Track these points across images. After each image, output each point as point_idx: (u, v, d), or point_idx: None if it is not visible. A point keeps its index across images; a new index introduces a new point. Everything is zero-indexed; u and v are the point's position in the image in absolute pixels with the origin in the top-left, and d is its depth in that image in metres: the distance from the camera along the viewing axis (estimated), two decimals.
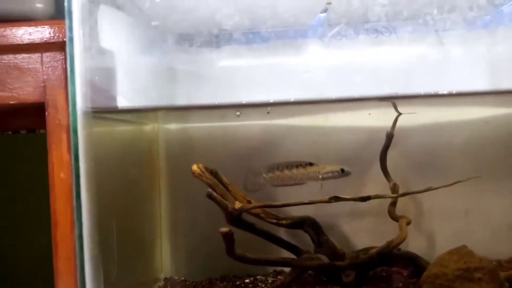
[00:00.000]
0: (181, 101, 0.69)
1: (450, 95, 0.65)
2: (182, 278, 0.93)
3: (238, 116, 0.81)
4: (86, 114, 0.59)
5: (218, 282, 0.89)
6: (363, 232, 0.91)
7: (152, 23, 0.67)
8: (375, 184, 0.85)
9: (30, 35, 0.68)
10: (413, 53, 0.68)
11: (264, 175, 0.81)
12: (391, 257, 0.77)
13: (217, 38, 0.65)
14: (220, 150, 0.92)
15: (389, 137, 0.80)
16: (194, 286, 0.89)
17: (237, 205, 0.72)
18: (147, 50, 0.70)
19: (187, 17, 0.66)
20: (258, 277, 0.90)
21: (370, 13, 0.63)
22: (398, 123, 0.80)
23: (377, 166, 0.82)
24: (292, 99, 0.66)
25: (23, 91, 0.69)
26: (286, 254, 0.80)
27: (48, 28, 0.68)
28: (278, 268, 0.91)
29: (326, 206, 0.76)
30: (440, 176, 0.83)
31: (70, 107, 0.59)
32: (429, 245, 0.90)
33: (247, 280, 0.89)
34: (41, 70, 0.69)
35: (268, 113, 0.84)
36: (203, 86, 0.68)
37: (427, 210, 0.89)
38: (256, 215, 0.76)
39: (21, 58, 0.69)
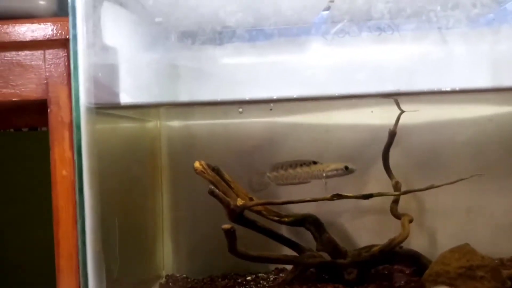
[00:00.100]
0: (184, 98, 0.69)
1: (453, 92, 0.65)
2: (184, 276, 0.93)
3: (241, 113, 0.81)
4: (89, 110, 0.59)
5: (219, 280, 0.89)
6: (365, 230, 0.91)
7: (155, 20, 0.67)
8: (378, 181, 0.85)
9: (33, 32, 0.68)
10: (416, 51, 0.67)
11: (268, 174, 0.81)
12: (393, 255, 0.77)
13: (220, 35, 0.65)
14: (222, 148, 0.92)
15: (392, 134, 0.80)
16: (195, 283, 0.89)
17: (239, 202, 0.72)
18: (150, 47, 0.70)
19: (190, 14, 0.66)
20: (259, 274, 0.90)
21: (373, 10, 0.63)
22: (400, 121, 0.80)
23: (379, 163, 0.81)
24: (295, 96, 0.65)
25: (26, 88, 0.69)
26: (288, 251, 0.80)
27: (50, 25, 0.68)
28: (280, 266, 0.91)
29: (328, 204, 0.76)
30: (442, 174, 0.83)
31: (73, 103, 0.59)
32: (431, 243, 0.90)
33: (248, 278, 0.89)
34: (43, 67, 0.69)
35: (271, 110, 0.84)
36: (206, 83, 0.68)
37: (429, 208, 0.89)
38: (258, 212, 0.76)
39: (24, 55, 0.69)
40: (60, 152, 0.68)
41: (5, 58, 0.69)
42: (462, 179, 0.74)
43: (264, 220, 0.77)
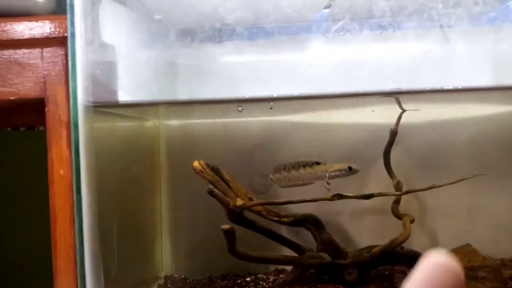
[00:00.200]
0: (183, 96, 0.68)
1: (454, 91, 0.65)
2: (183, 276, 0.92)
3: (240, 111, 0.81)
4: (87, 108, 0.59)
5: (218, 281, 0.88)
6: (366, 230, 0.90)
7: (154, 17, 0.66)
8: (379, 181, 0.84)
9: (31, 30, 0.67)
10: (418, 49, 0.67)
11: (271, 176, 0.80)
12: (394, 255, 0.76)
13: (220, 33, 0.64)
14: (221, 147, 0.91)
15: (393, 134, 0.79)
16: (194, 284, 0.88)
17: (239, 202, 0.71)
18: (149, 45, 0.69)
19: (190, 11, 0.66)
20: (259, 275, 0.90)
21: (375, 8, 0.62)
22: (402, 120, 0.79)
23: (380, 163, 0.81)
24: (296, 94, 0.65)
25: (24, 87, 0.69)
26: (288, 252, 0.79)
27: (48, 23, 0.67)
28: (280, 266, 0.91)
29: (328, 204, 0.76)
30: (443, 173, 0.82)
31: (71, 101, 0.58)
32: (432, 243, 0.89)
33: (248, 279, 0.88)
34: (41, 66, 0.68)
35: (271, 108, 0.83)
36: (205, 81, 0.68)
37: (430, 208, 0.89)
38: (258, 213, 0.76)
39: (22, 54, 0.69)
40: (57, 151, 0.67)
41: (3, 57, 0.68)
42: (463, 179, 0.73)
43: (264, 220, 0.76)
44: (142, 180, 0.88)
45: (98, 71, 0.62)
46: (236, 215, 0.71)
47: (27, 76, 0.68)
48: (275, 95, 0.65)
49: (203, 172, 0.72)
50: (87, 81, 0.59)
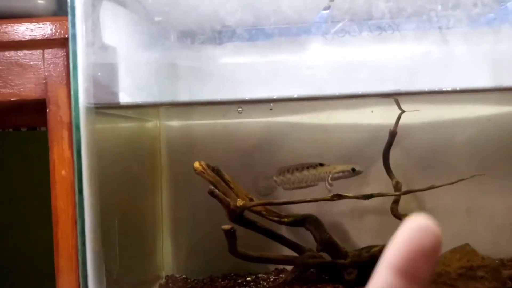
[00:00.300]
0: (183, 97, 0.68)
1: (453, 92, 0.65)
2: (184, 276, 0.93)
3: (240, 112, 0.81)
4: (88, 110, 0.59)
5: (219, 280, 0.88)
6: (365, 230, 0.91)
7: (154, 19, 0.66)
8: (378, 182, 0.84)
9: (32, 31, 0.68)
10: (417, 50, 0.67)
11: (275, 178, 0.80)
12: None
13: (220, 35, 0.64)
14: (222, 147, 0.92)
15: (392, 134, 0.80)
16: (195, 284, 0.88)
17: (239, 202, 0.72)
18: (149, 46, 0.69)
19: (190, 13, 0.66)
20: (259, 275, 0.90)
21: (374, 9, 0.62)
22: (401, 121, 0.79)
23: (379, 164, 0.81)
24: (295, 96, 0.65)
25: (25, 88, 0.69)
26: (288, 252, 0.80)
27: (49, 25, 0.67)
28: (280, 266, 0.91)
29: (328, 204, 0.76)
30: (442, 173, 0.83)
31: (73, 103, 0.59)
32: None
33: (248, 278, 0.89)
34: (42, 67, 0.69)
35: (271, 109, 0.84)
36: (205, 83, 0.68)
37: (429, 209, 0.89)
38: (258, 213, 0.76)
39: (23, 55, 0.69)
40: (59, 152, 0.68)
41: (4, 58, 0.69)
42: (462, 179, 0.74)
43: (264, 220, 0.77)
44: (143, 180, 0.88)
45: (99, 73, 0.62)
46: (237, 216, 0.72)
47: (28, 77, 0.69)
48: (275, 97, 0.66)
49: (204, 173, 0.73)
50: (88, 82, 0.59)
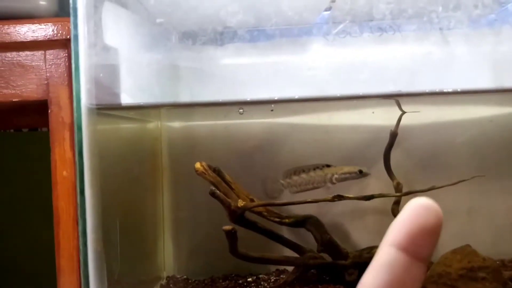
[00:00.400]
0: (184, 98, 0.68)
1: (454, 93, 0.65)
2: (185, 277, 0.93)
3: (241, 113, 0.81)
4: (90, 111, 0.59)
5: (220, 281, 0.89)
6: (366, 231, 0.91)
7: (156, 20, 0.67)
8: (379, 183, 0.84)
9: (34, 32, 0.68)
10: (418, 51, 0.67)
11: (281, 181, 0.80)
12: None
13: (221, 36, 0.65)
14: (223, 148, 0.92)
15: (393, 135, 0.80)
16: (196, 284, 0.89)
17: (240, 203, 0.72)
18: (151, 48, 0.69)
19: (191, 14, 0.66)
20: (260, 275, 0.90)
21: (375, 11, 0.62)
22: (402, 122, 0.80)
23: (380, 164, 0.81)
24: (296, 97, 0.65)
25: (27, 89, 0.69)
26: (289, 252, 0.80)
27: (51, 26, 0.68)
28: (281, 267, 0.91)
29: (329, 205, 0.76)
30: (443, 174, 0.83)
31: (75, 104, 0.59)
32: None
33: (249, 279, 0.89)
34: (44, 68, 0.69)
35: (272, 110, 0.84)
36: (207, 83, 0.68)
37: None
38: (259, 214, 0.76)
39: (25, 56, 0.69)
40: (60, 153, 0.68)
41: (6, 59, 0.69)
42: (463, 181, 0.74)
43: (265, 221, 0.77)
44: (145, 181, 0.88)
45: (101, 74, 0.62)
46: (238, 216, 0.72)
47: (30, 78, 0.69)
48: (276, 98, 0.66)
49: (205, 174, 0.73)
50: (90, 83, 0.60)
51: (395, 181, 0.81)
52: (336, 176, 0.77)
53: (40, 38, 0.68)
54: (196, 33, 0.66)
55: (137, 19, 0.69)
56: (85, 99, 0.59)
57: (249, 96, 0.67)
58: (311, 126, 0.91)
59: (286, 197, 0.81)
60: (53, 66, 0.69)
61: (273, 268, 0.92)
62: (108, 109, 0.66)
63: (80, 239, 0.59)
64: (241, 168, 0.88)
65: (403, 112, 0.80)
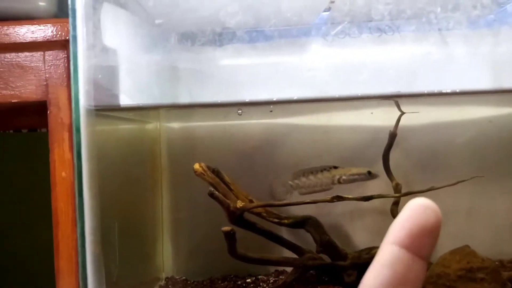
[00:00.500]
0: (184, 99, 0.68)
1: (453, 94, 0.65)
2: (183, 278, 0.93)
3: (240, 114, 0.81)
4: (89, 112, 0.59)
5: (219, 282, 0.89)
6: (365, 232, 0.91)
7: (155, 21, 0.67)
8: (378, 183, 0.84)
9: (33, 33, 0.68)
10: (417, 52, 0.67)
11: (290, 182, 0.80)
12: None
13: (220, 37, 0.65)
14: (222, 149, 0.92)
15: (392, 136, 0.80)
16: (195, 285, 0.89)
17: (239, 204, 0.72)
18: (150, 49, 0.69)
19: (190, 15, 0.66)
20: (259, 276, 0.90)
21: (374, 11, 0.62)
22: (401, 123, 0.80)
23: (379, 165, 0.81)
24: (295, 97, 0.65)
25: (26, 90, 0.69)
26: (288, 253, 0.80)
27: (50, 27, 0.68)
28: (280, 268, 0.91)
29: (328, 206, 0.76)
30: (442, 175, 0.83)
31: (73, 105, 0.59)
32: None
33: (248, 280, 0.89)
34: (43, 69, 0.69)
35: (271, 111, 0.84)
36: (206, 85, 0.68)
37: None
38: (258, 214, 0.76)
39: (24, 57, 0.69)
40: (59, 154, 0.68)
41: (5, 60, 0.69)
42: (462, 181, 0.74)
43: (264, 222, 0.77)
44: (143, 182, 0.88)
45: (99, 75, 0.62)
46: (237, 217, 0.72)
47: (29, 79, 0.69)
48: (275, 99, 0.66)
49: (204, 174, 0.73)
50: (89, 84, 0.60)
51: (394, 182, 0.81)
52: (344, 177, 0.77)
53: (39, 39, 0.68)
54: (195, 34, 0.65)
55: (136, 20, 0.69)
56: (83, 100, 0.59)
57: (248, 97, 0.67)
58: (310, 126, 0.91)
59: (288, 198, 0.81)
60: (52, 67, 0.69)
61: (272, 269, 0.92)
62: (106, 110, 0.66)
63: (78, 240, 0.59)
64: (240, 169, 0.88)
65: (402, 113, 0.80)
